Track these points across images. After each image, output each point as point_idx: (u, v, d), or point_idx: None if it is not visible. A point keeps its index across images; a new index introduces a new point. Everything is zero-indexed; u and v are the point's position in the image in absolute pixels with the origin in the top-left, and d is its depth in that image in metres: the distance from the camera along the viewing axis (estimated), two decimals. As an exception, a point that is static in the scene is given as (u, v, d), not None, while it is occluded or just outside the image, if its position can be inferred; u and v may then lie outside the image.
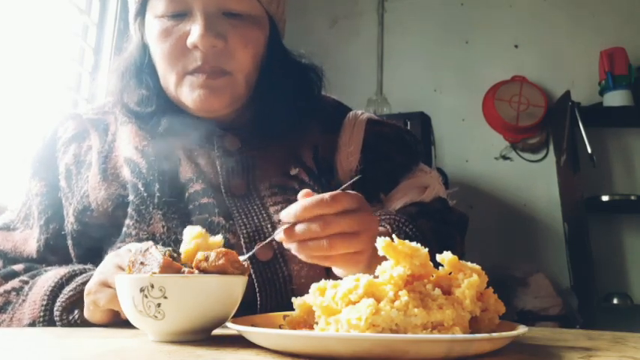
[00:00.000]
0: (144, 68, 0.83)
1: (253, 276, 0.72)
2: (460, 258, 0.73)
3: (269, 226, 0.76)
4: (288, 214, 0.57)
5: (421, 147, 0.96)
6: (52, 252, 0.80)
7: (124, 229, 0.76)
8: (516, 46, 2.67)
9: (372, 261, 0.63)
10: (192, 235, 0.53)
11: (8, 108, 1.24)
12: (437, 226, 0.79)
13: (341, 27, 2.84)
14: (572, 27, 2.62)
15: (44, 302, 0.70)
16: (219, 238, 0.55)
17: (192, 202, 0.77)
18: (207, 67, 0.76)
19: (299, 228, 0.57)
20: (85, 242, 0.79)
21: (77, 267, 0.74)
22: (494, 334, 0.39)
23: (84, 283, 0.68)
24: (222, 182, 0.79)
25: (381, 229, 0.74)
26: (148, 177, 0.78)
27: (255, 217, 0.76)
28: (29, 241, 0.82)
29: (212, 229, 0.74)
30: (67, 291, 0.69)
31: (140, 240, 0.73)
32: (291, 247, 0.59)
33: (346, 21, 2.85)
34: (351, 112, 0.91)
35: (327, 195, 0.58)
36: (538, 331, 0.65)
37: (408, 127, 2.11)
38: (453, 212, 0.87)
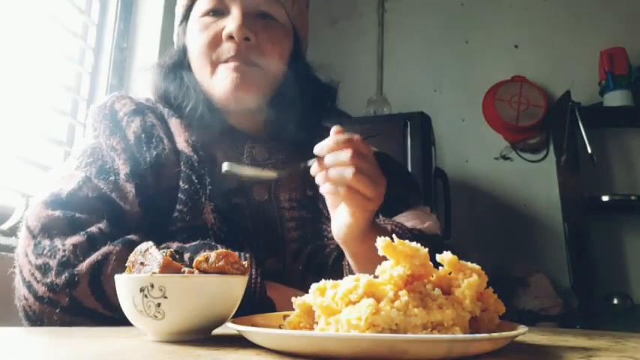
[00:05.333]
0: (183, 69, 0.90)
1: None
2: None
3: (283, 239, 0.83)
4: (321, 147, 0.65)
5: (421, 193, 1.03)
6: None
7: (176, 214, 0.78)
8: (516, 46, 2.67)
9: (372, 227, 0.72)
10: None
11: (7, 108, 1.23)
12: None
13: (341, 27, 2.84)
14: (573, 27, 2.62)
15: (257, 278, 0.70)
16: None
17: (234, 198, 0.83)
18: (239, 57, 0.83)
19: (329, 157, 0.65)
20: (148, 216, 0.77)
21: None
22: (494, 334, 0.39)
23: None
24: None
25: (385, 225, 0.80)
26: (199, 170, 0.81)
27: (272, 222, 0.84)
28: (131, 200, 0.76)
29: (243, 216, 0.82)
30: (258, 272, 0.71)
31: (193, 227, 0.76)
32: (319, 178, 0.67)
33: (346, 21, 2.85)
34: None
35: (357, 135, 0.66)
36: (538, 331, 0.65)
37: (408, 128, 2.11)
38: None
